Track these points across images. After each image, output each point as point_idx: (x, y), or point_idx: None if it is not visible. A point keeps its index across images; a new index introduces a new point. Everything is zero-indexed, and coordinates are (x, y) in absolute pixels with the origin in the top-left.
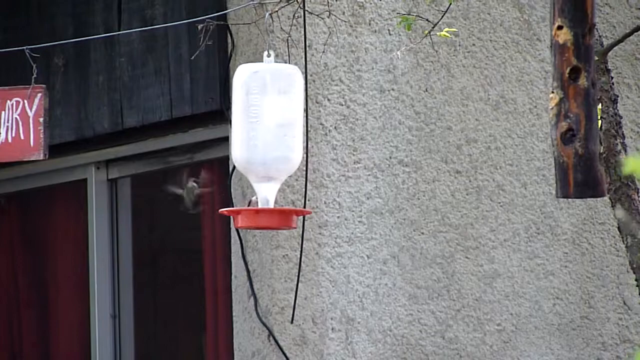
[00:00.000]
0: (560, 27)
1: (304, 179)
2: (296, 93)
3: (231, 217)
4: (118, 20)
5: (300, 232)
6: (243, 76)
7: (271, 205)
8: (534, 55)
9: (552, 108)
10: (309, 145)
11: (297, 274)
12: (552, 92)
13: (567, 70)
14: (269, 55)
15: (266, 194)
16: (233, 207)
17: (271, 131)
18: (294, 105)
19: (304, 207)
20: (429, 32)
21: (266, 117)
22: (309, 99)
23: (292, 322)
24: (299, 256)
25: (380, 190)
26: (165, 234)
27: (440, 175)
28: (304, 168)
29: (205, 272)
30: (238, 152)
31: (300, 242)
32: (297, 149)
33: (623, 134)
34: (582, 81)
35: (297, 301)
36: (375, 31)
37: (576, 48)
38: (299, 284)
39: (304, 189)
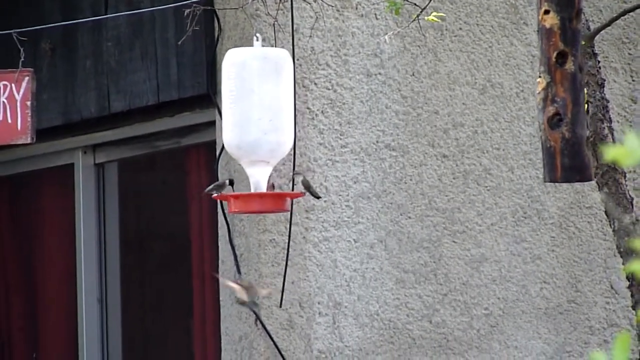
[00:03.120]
0: (547, 12)
1: (291, 163)
2: (284, 77)
3: (220, 201)
4: (105, 5)
5: (288, 217)
6: (230, 60)
7: (263, 189)
8: (521, 39)
9: (539, 92)
10: (295, 130)
11: (284, 258)
12: (539, 77)
13: (554, 55)
14: (257, 39)
15: (258, 178)
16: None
17: (248, 115)
18: (280, 89)
19: (292, 191)
20: (417, 17)
21: (245, 101)
22: (296, 83)
23: (280, 307)
24: (286, 240)
25: (367, 174)
26: (152, 219)
27: (427, 159)
28: (290, 152)
29: (193, 257)
30: (223, 136)
31: (288, 227)
32: (278, 132)
33: (610, 118)
34: (569, 65)
35: (284, 285)
36: (362, 15)
37: (563, 32)
38: (287, 269)
39: (291, 173)
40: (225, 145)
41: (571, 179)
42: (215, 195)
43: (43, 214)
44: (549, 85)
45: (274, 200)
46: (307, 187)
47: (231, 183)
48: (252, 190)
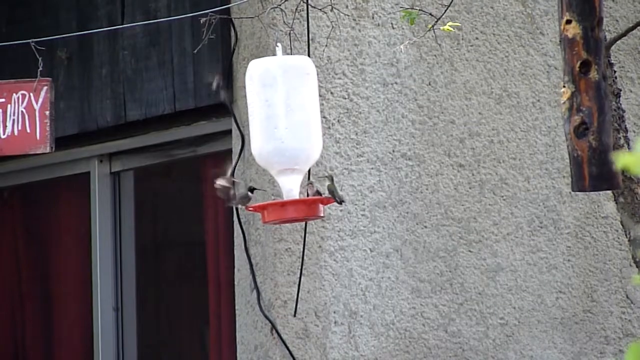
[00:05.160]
0: (569, 22)
1: (308, 173)
2: (306, 84)
3: (235, 210)
4: (121, 13)
5: (303, 225)
6: (251, 71)
7: (296, 197)
8: (537, 49)
9: (564, 102)
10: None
11: (299, 268)
12: (564, 87)
13: (578, 64)
14: (278, 47)
15: (290, 187)
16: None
17: (266, 124)
18: (302, 96)
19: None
20: (432, 26)
21: (264, 110)
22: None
23: (294, 316)
24: (302, 249)
25: (383, 183)
26: (168, 227)
27: (443, 168)
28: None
29: (208, 265)
30: (251, 146)
31: (303, 235)
32: (298, 140)
33: (626, 127)
34: (593, 74)
35: (299, 294)
36: (379, 25)
37: (585, 42)
38: (302, 277)
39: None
40: (254, 155)
41: (599, 187)
42: (249, 207)
43: (59, 223)
44: (573, 94)
45: (307, 207)
46: (332, 192)
47: (251, 190)
48: (285, 199)
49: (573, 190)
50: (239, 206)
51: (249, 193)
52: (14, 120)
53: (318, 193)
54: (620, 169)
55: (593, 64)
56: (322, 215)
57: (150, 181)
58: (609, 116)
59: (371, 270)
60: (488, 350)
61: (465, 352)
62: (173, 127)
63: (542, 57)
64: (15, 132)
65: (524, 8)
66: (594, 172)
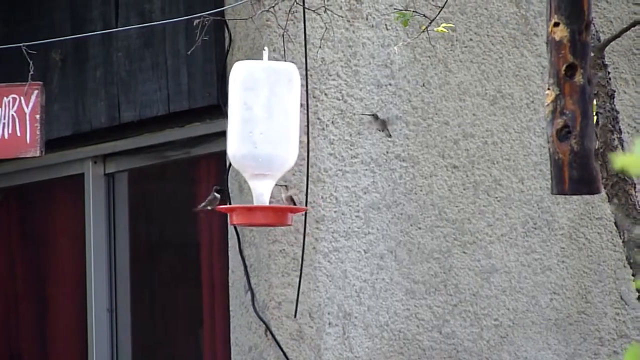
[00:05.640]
0: (556, 24)
1: (301, 174)
2: (288, 91)
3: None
4: (115, 15)
5: (298, 227)
6: (234, 73)
7: (266, 202)
8: (531, 50)
9: (548, 105)
10: (308, 142)
11: (295, 269)
12: (548, 89)
13: (563, 68)
14: (265, 52)
15: (261, 191)
16: (230, 201)
17: (242, 128)
18: (283, 103)
19: (305, 202)
20: (427, 27)
21: (241, 113)
22: (307, 94)
23: (295, 316)
24: (296, 251)
25: (378, 185)
26: (162, 229)
27: (437, 170)
28: (302, 163)
29: (202, 267)
30: (227, 148)
31: (298, 237)
32: (273, 146)
33: (620, 129)
34: (578, 78)
35: (296, 296)
36: (373, 26)
37: (572, 45)
38: (296, 279)
39: (302, 184)
40: (230, 157)
41: (579, 191)
42: (219, 207)
43: (53, 224)
44: (558, 97)
45: (276, 214)
46: (291, 202)
47: (218, 192)
48: (255, 203)
49: (552, 193)
50: (208, 208)
51: (216, 194)
52: (4, 123)
53: (291, 198)
54: (600, 174)
55: (579, 68)
56: (290, 223)
57: (144, 182)
58: (591, 120)
59: (365, 272)
60: (482, 352)
61: (460, 354)
62: (167, 128)
63: (536, 58)
64: (6, 136)
65: (518, 9)
66: (574, 175)
